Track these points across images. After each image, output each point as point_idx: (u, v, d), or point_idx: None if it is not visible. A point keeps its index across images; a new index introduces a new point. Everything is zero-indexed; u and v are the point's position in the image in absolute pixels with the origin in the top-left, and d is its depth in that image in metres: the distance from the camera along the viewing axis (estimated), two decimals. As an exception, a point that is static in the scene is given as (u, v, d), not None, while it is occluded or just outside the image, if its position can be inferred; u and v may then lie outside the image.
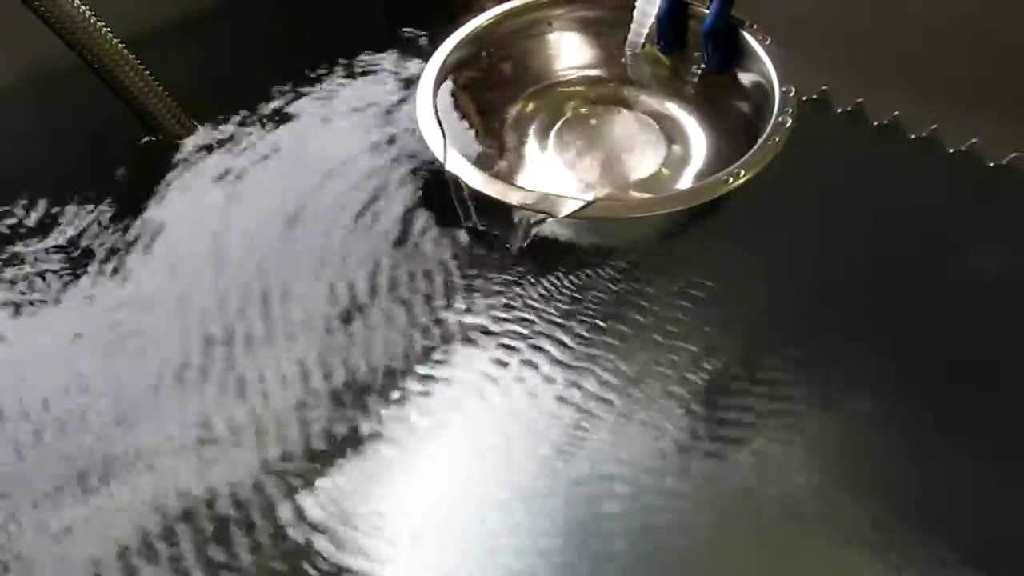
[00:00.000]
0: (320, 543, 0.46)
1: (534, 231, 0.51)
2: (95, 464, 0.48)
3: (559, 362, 0.52)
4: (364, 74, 0.69)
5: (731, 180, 0.49)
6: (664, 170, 0.59)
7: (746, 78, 0.57)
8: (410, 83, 0.67)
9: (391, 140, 0.64)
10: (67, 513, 0.46)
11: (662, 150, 0.59)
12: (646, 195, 0.57)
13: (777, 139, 0.51)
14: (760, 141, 0.51)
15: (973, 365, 0.52)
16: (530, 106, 0.63)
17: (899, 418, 0.50)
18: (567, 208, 0.50)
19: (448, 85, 0.59)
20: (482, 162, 0.56)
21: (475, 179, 0.52)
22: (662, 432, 0.49)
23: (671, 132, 0.60)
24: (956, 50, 0.65)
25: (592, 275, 0.56)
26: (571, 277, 0.56)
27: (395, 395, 0.51)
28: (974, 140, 0.62)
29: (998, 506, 0.47)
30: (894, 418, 0.50)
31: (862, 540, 0.46)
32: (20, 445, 0.49)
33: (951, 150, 0.62)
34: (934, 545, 0.45)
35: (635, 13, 0.58)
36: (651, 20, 0.58)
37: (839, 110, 0.66)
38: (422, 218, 0.59)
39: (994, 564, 0.45)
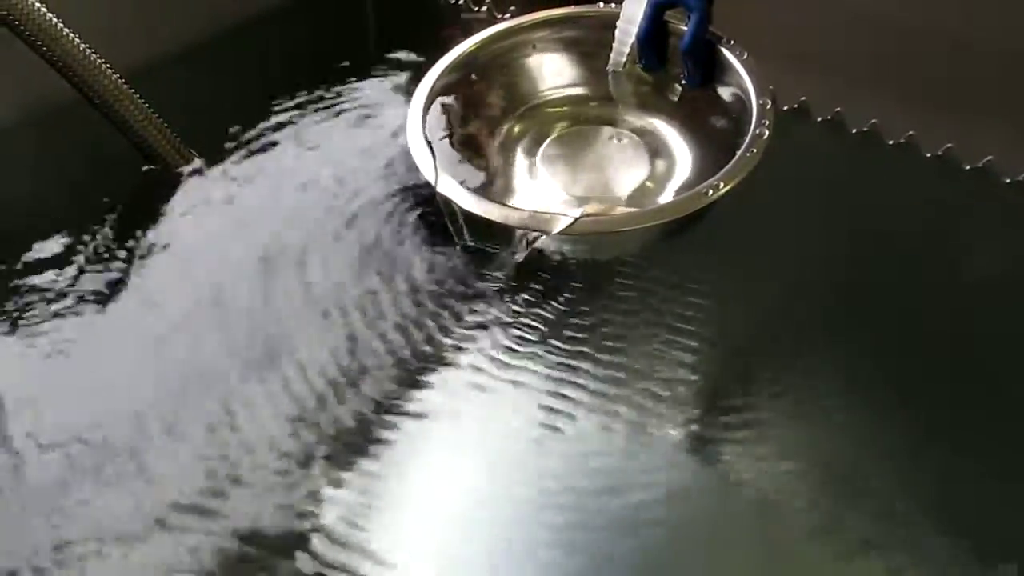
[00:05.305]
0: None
1: (532, 246, 0.53)
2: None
3: (551, 369, 0.54)
4: (357, 100, 0.71)
5: (711, 192, 0.51)
6: (649, 184, 0.60)
7: (725, 92, 0.58)
8: (401, 107, 0.68)
9: (385, 164, 0.65)
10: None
11: (647, 165, 0.61)
12: (630, 210, 0.58)
13: (755, 150, 0.52)
14: (739, 153, 0.52)
15: (961, 365, 0.53)
16: (517, 127, 0.64)
17: (894, 418, 0.51)
18: (556, 225, 0.51)
19: (437, 109, 0.60)
20: (472, 183, 0.58)
21: (466, 200, 0.53)
22: (654, 436, 0.51)
23: (655, 147, 0.62)
24: (932, 57, 0.66)
25: (580, 286, 0.57)
26: (560, 289, 0.57)
27: (393, 408, 0.52)
28: (950, 145, 0.63)
29: (996, 505, 0.48)
30: (888, 419, 0.51)
31: (862, 541, 0.47)
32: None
33: (928, 155, 0.64)
34: (933, 544, 0.46)
35: (616, 33, 0.59)
36: (632, 40, 0.59)
37: (818, 119, 0.67)
38: (416, 238, 0.60)
39: (994, 563, 0.46)
